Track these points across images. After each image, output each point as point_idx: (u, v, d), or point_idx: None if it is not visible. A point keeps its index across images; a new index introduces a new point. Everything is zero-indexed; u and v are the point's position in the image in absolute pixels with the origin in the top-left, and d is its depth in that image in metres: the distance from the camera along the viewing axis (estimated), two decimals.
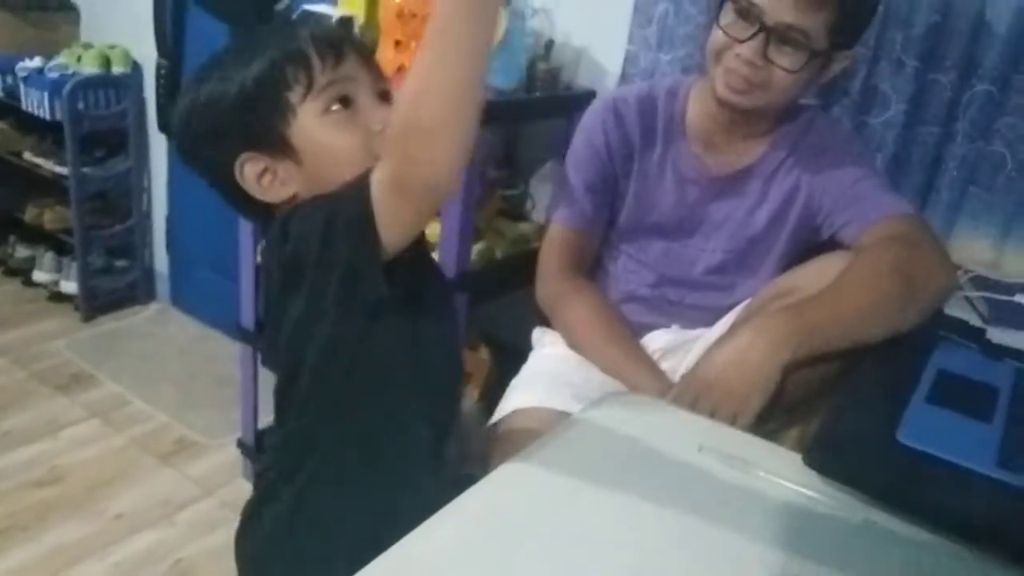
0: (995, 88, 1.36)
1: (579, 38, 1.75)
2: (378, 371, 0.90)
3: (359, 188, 0.77)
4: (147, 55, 2.59)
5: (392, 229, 0.77)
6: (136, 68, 2.63)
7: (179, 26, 2.44)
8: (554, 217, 1.43)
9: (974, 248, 1.46)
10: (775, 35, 1.18)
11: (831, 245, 1.31)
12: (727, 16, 1.23)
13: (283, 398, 0.94)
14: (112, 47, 2.59)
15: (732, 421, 1.08)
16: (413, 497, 0.89)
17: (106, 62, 2.55)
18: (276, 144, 0.87)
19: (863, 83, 1.40)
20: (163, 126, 2.62)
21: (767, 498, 0.85)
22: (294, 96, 0.86)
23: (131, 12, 2.56)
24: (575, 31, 1.75)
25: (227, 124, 0.87)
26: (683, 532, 0.78)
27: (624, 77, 1.68)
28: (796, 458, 0.90)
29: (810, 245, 1.36)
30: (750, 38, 1.19)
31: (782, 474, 0.87)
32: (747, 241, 1.38)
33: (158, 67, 2.50)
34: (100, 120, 2.58)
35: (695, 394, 1.11)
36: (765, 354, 1.08)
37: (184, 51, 2.49)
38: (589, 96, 1.70)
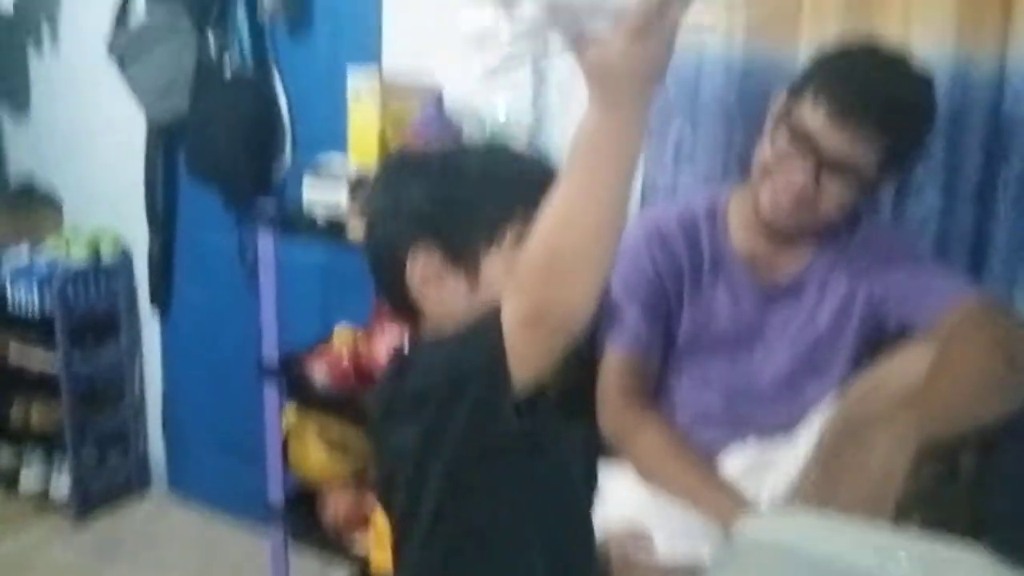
0: None
1: None
2: (494, 512, 0.87)
3: (490, 327, 0.75)
4: (136, 238, 2.54)
5: (523, 367, 0.74)
6: (125, 255, 2.58)
7: (171, 200, 2.43)
8: (609, 345, 1.38)
9: None
10: (827, 165, 1.19)
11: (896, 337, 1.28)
12: (780, 138, 1.23)
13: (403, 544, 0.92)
14: (100, 232, 2.54)
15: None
16: None
17: (95, 249, 2.50)
18: (461, 258, 0.84)
19: None
20: (155, 298, 2.54)
21: None
22: (511, 233, 0.83)
23: (116, 194, 2.52)
24: None
25: (437, 198, 0.85)
26: None
27: (644, 196, 1.67)
28: None
29: (876, 339, 1.32)
30: (803, 164, 1.20)
31: None
32: (811, 344, 1.34)
33: (151, 241, 2.46)
34: (90, 311, 2.49)
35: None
36: (890, 450, 1.04)
37: (176, 225, 2.46)
38: None
